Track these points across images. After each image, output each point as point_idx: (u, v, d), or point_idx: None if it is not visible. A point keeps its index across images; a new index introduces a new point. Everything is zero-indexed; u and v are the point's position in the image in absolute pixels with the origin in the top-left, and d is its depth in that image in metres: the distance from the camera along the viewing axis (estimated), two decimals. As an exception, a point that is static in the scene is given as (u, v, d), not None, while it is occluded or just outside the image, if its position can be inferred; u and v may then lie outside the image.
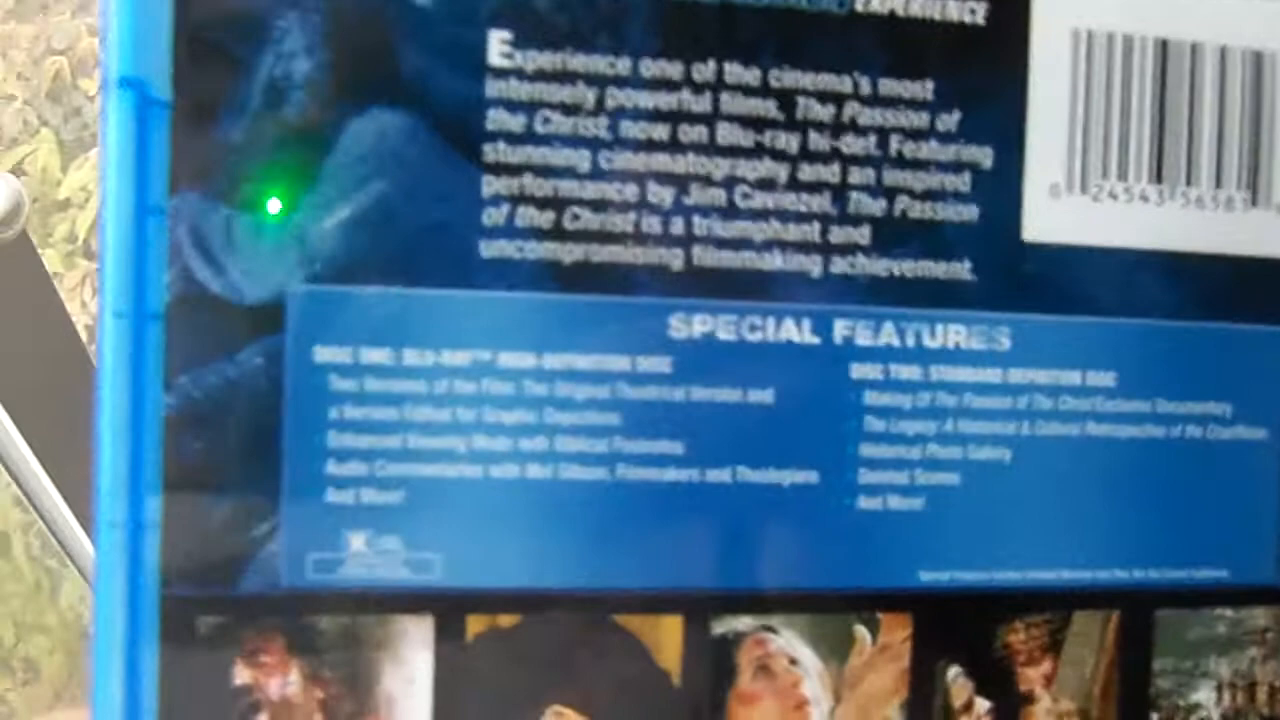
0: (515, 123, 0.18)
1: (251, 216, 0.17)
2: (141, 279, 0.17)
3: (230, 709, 0.17)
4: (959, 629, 0.19)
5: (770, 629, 0.19)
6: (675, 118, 0.18)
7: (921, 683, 0.19)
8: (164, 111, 0.17)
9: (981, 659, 0.19)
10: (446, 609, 0.18)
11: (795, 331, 0.18)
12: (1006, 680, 0.19)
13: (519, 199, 0.18)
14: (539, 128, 0.18)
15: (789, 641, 0.19)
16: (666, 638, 0.18)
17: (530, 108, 0.18)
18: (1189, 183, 0.20)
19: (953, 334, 0.19)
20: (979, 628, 0.19)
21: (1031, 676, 0.19)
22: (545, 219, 0.18)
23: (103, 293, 0.17)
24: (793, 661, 0.19)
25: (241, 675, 0.17)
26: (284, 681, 0.17)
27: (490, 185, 0.18)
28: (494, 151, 0.18)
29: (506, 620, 0.18)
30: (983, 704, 0.19)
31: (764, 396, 0.18)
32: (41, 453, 0.46)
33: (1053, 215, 0.19)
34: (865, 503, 0.19)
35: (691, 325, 0.18)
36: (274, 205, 0.17)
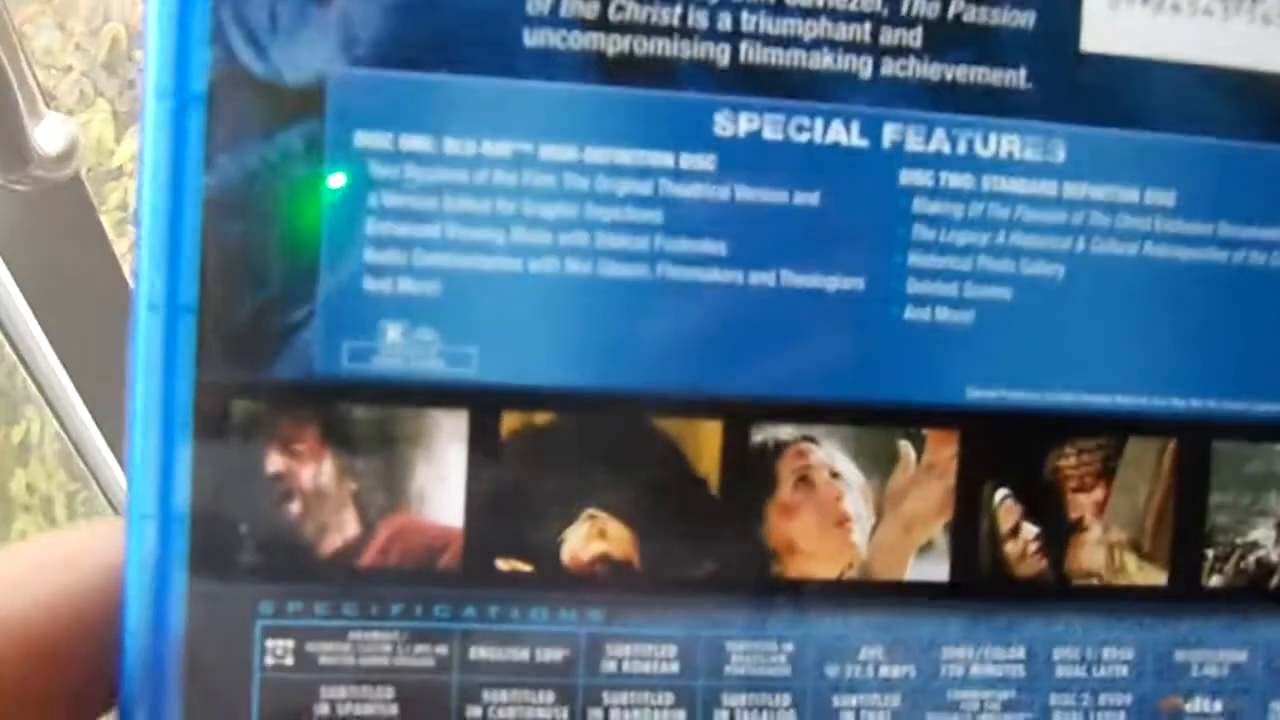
0: (561, -90, 0.17)
1: (293, -4, 0.17)
2: (184, 60, 0.17)
3: (263, 496, 0.17)
4: (1007, 450, 0.19)
5: (811, 439, 0.18)
6: (724, -89, 0.17)
7: (967, 504, 0.18)
8: (208, -111, 0.17)
9: (1030, 482, 0.19)
10: (481, 404, 0.17)
11: (843, 134, 0.18)
12: (1056, 506, 0.19)
13: (563, -12, 0.17)
14: (585, -83, 0.17)
15: (830, 454, 0.18)
16: (705, 443, 0.18)
17: (576, -105, 0.17)
18: (1256, -3, 0.19)
19: (1006, 143, 0.18)
20: (1028, 450, 0.19)
21: (1082, 503, 0.19)
22: (590, 9, 0.17)
23: (145, 75, 0.17)
24: (834, 474, 0.18)
25: (274, 463, 0.17)
26: (317, 471, 0.17)
27: (534, -27, 0.17)
28: (539, -61, 0.17)
29: (542, 418, 0.18)
30: (1030, 529, 0.19)
31: (810, 199, 0.18)
32: (90, 402, 0.47)
33: (1113, 25, 0.18)
34: (912, 313, 0.18)
35: (737, 123, 0.18)
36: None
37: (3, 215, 0.42)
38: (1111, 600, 0.19)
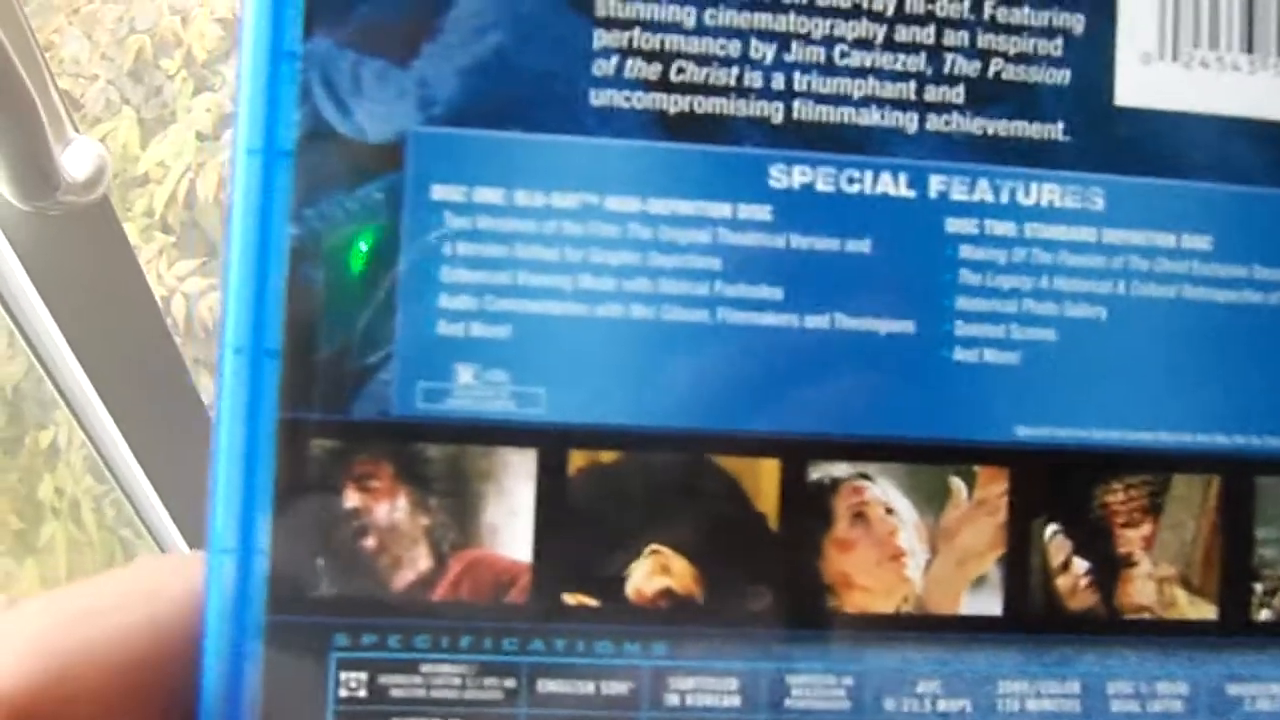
0: (624, -20, 0.18)
1: (378, 61, 0.18)
2: (273, 118, 0.17)
3: (339, 531, 0.17)
4: (1056, 486, 0.19)
5: (866, 477, 0.18)
6: (776, -21, 0.18)
7: (1019, 539, 0.19)
8: (298, -37, 0.17)
9: (1079, 518, 0.19)
10: (550, 443, 0.18)
11: (891, 185, 0.18)
12: (1105, 541, 0.19)
13: (628, 51, 0.18)
14: (646, -15, 0.18)
15: (885, 490, 0.18)
16: (764, 481, 0.18)
17: (638, -34, 0.18)
18: (1281, 54, 0.19)
19: (1047, 192, 0.19)
20: (1076, 486, 0.19)
21: (1131, 538, 0.19)
22: (652, 71, 0.18)
23: (237, 132, 0.18)
24: (889, 511, 0.18)
25: (351, 499, 0.17)
26: (391, 507, 0.18)
27: (601, 38, 0.18)
28: (605, 6, 0.18)
29: (608, 457, 0.18)
30: (1081, 564, 0.19)
31: (861, 246, 0.18)
32: (118, 415, 0.47)
33: (1145, 81, 0.19)
34: (961, 354, 0.18)
35: (791, 175, 0.18)
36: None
37: (31, 236, 0.42)
38: (1163, 634, 0.19)
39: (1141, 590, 0.19)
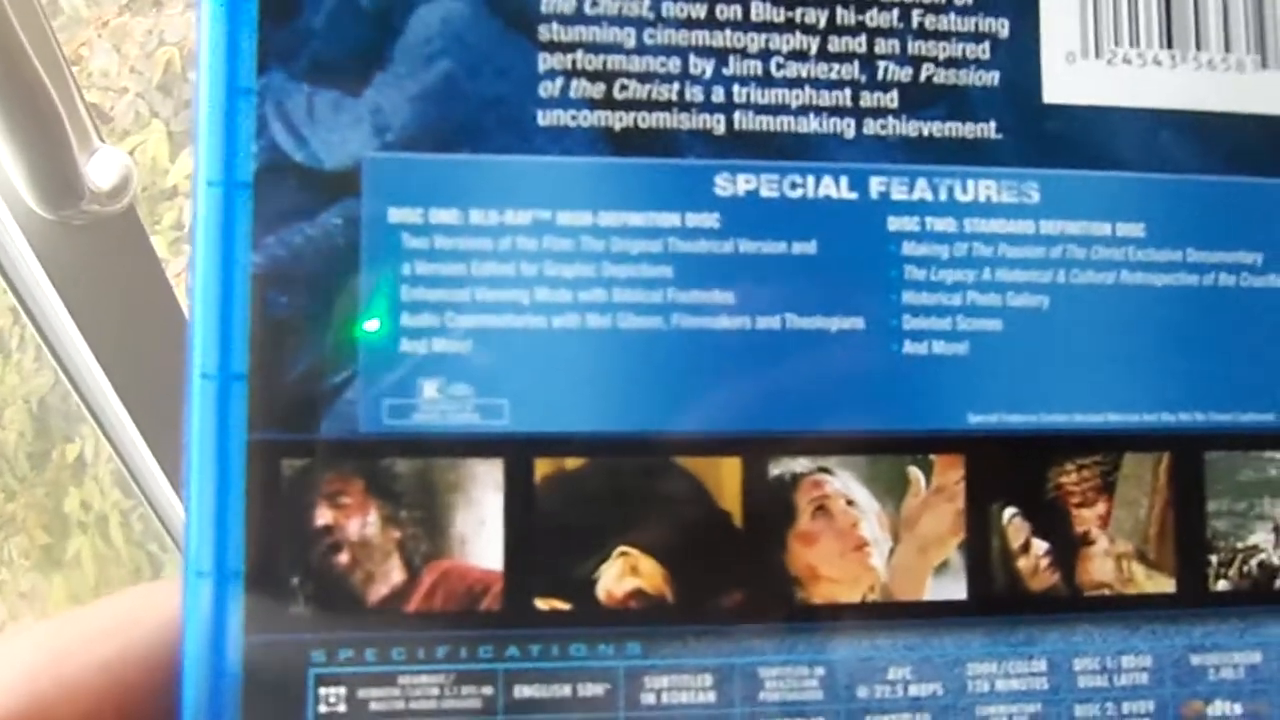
0: (567, 5, 0.18)
1: (331, 92, 0.18)
2: (232, 151, 0.18)
3: (313, 548, 0.17)
4: (1011, 470, 0.19)
5: (826, 470, 0.18)
6: (711, -2, 0.19)
7: (978, 523, 0.19)
8: (252, 5, 0.18)
9: (1036, 500, 0.19)
10: (514, 452, 0.18)
11: (834, 188, 0.19)
12: (1062, 521, 0.19)
13: (572, 73, 0.18)
14: (588, 9, 0.18)
15: (845, 483, 0.18)
16: (726, 480, 0.18)
17: (578, -8, 0.18)
18: (1199, 48, 0.20)
19: (983, 188, 0.19)
20: (1031, 469, 0.19)
21: (1087, 517, 0.19)
22: (596, 90, 0.18)
23: (197, 165, 0.18)
24: (850, 502, 0.18)
25: (323, 516, 0.17)
26: (363, 522, 0.18)
27: (545, 61, 0.18)
28: (548, 31, 0.18)
29: (572, 463, 0.18)
30: (1040, 544, 0.19)
31: (807, 248, 0.19)
32: (145, 429, 0.47)
33: (1070, 79, 0.19)
34: (910, 347, 0.19)
35: (736, 183, 0.19)
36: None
37: (56, 246, 0.42)
38: (1125, 609, 0.19)
39: (1100, 568, 0.19)
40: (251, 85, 0.18)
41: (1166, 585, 0.19)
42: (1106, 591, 0.19)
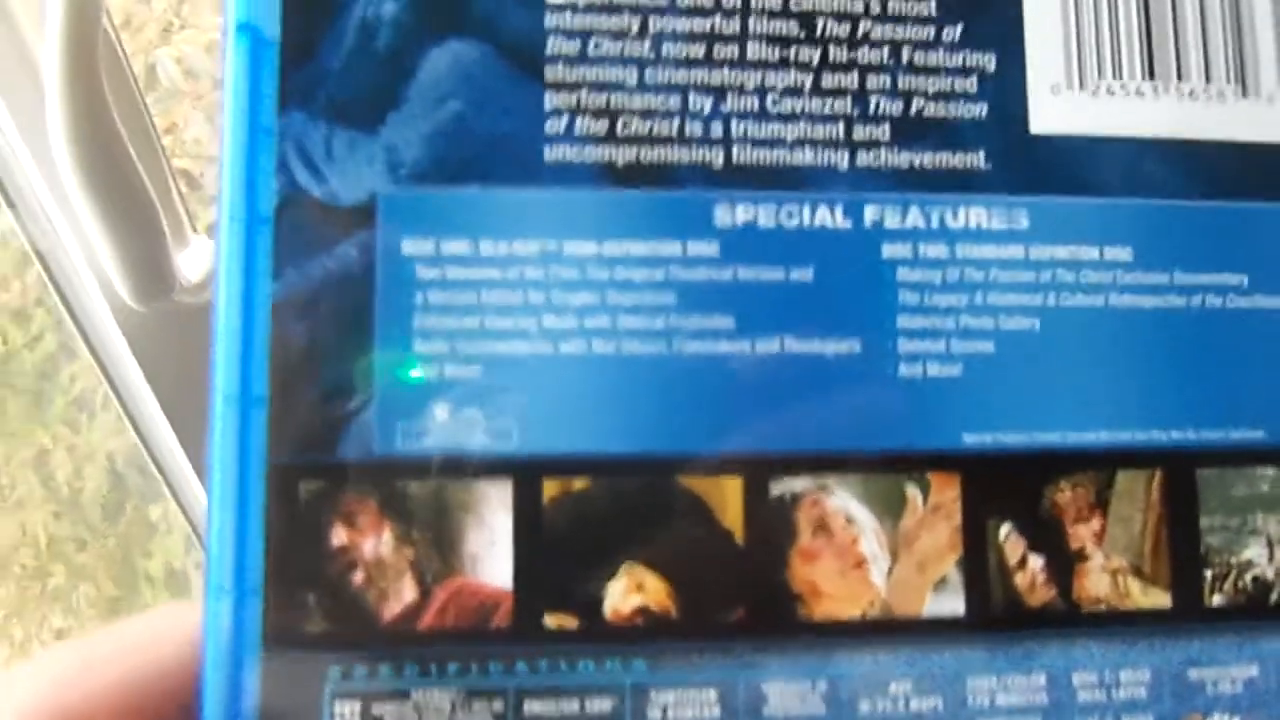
0: (571, 48, 0.19)
1: (348, 130, 0.19)
2: (253, 188, 0.18)
3: (329, 567, 0.18)
4: (1006, 488, 0.19)
5: (825, 489, 0.19)
6: (709, 39, 0.19)
7: (975, 540, 0.19)
8: (273, 49, 0.19)
9: (1031, 517, 0.19)
10: (523, 474, 0.18)
11: (829, 216, 0.19)
12: (1058, 537, 0.19)
13: (576, 110, 0.19)
14: (591, 51, 0.19)
15: (844, 501, 0.19)
16: (729, 499, 0.19)
17: (584, 35, 0.19)
18: (1180, 78, 0.20)
19: (974, 215, 0.19)
20: (1026, 487, 0.19)
21: (1082, 534, 0.19)
22: (600, 127, 0.19)
23: (220, 201, 0.18)
24: (849, 520, 0.19)
25: (339, 536, 0.18)
26: (377, 542, 0.18)
27: (551, 100, 0.19)
28: (553, 72, 0.19)
29: (579, 484, 0.18)
30: (1036, 560, 0.19)
31: (804, 275, 0.19)
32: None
33: (1056, 110, 0.20)
34: (906, 370, 0.19)
35: (735, 214, 0.19)
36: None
37: (144, 333, 0.42)
38: (1122, 624, 0.19)
39: (1096, 583, 0.19)
40: (272, 125, 0.18)
41: (1162, 600, 0.19)
42: (1103, 606, 0.19)
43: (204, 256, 0.42)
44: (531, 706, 0.18)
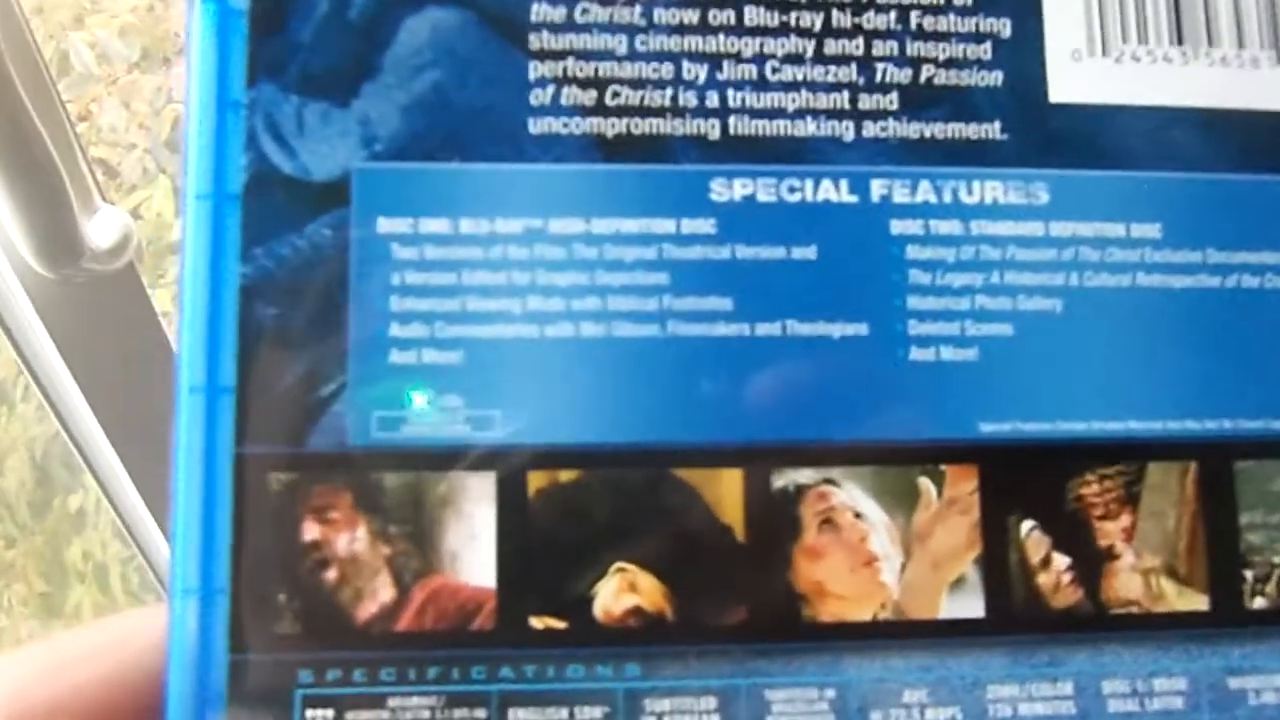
0: (557, 14, 0.18)
1: (320, 103, 0.17)
2: (221, 164, 0.17)
3: (300, 565, 0.17)
4: (1028, 481, 0.18)
5: (832, 482, 0.17)
6: (704, 3, 0.18)
7: (994, 537, 0.17)
8: (241, 18, 0.18)
9: (1055, 512, 0.17)
10: (507, 465, 0.17)
11: (833, 191, 0.18)
12: (1085, 534, 0.18)
13: (563, 80, 0.18)
14: (579, 17, 0.18)
15: (852, 495, 0.17)
16: (727, 492, 0.17)
17: (569, 0, 0.18)
18: (1211, 44, 0.19)
19: (989, 189, 0.18)
20: (1049, 480, 0.18)
21: (1111, 531, 0.18)
22: (588, 97, 0.18)
23: (185, 178, 0.17)
24: (858, 515, 0.17)
25: (310, 531, 0.17)
26: (352, 537, 0.17)
27: (536, 69, 0.18)
28: (538, 40, 0.18)
29: (566, 476, 0.17)
30: (1062, 559, 0.17)
31: (807, 253, 0.18)
32: (140, 482, 0.46)
33: (1077, 78, 0.18)
34: (917, 354, 0.18)
35: (732, 188, 0.18)
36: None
37: (55, 303, 0.42)
38: (1155, 629, 0.17)
39: (1127, 584, 0.17)
40: (241, 98, 0.17)
41: (1199, 602, 0.18)
42: (1135, 609, 0.17)
43: (113, 224, 0.41)
44: (516, 714, 0.16)
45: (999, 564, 0.17)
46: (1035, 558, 0.17)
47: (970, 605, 0.17)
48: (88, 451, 0.48)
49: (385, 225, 0.17)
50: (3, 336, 0.44)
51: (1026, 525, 0.17)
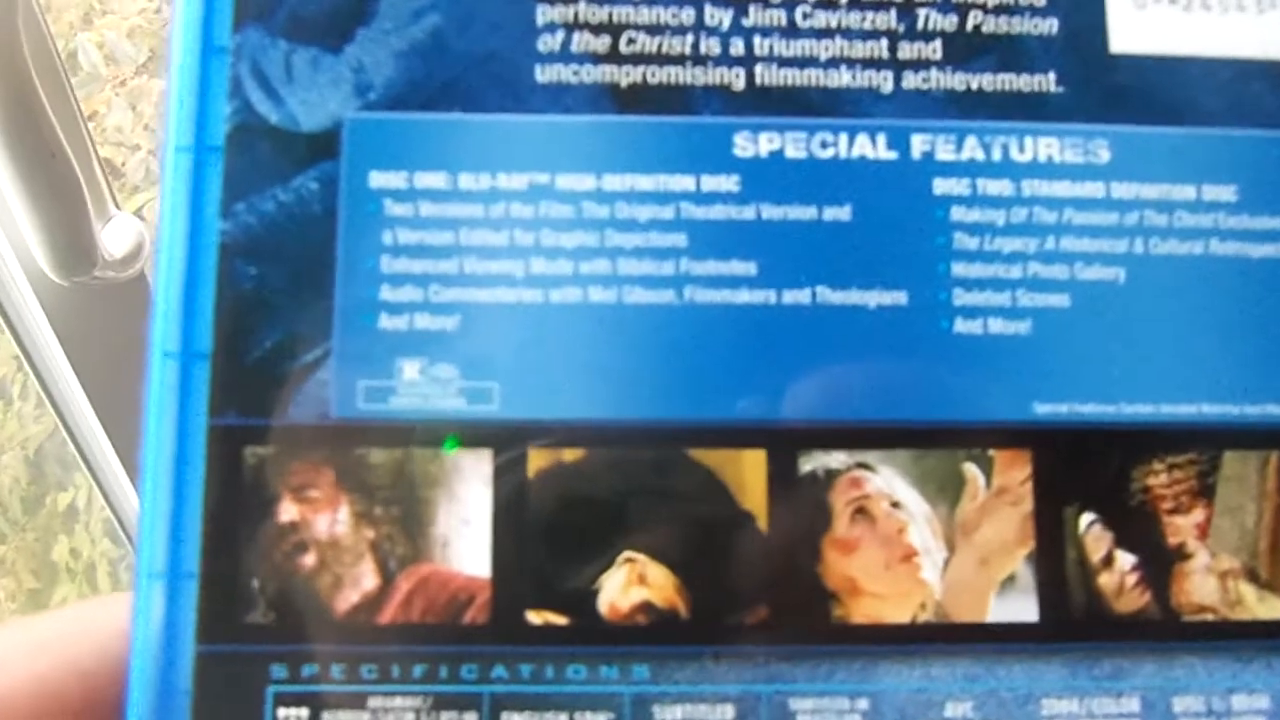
0: (568, -45, 0.16)
1: (310, 48, 0.16)
2: (204, 114, 0.16)
3: (276, 548, 0.15)
4: (1087, 469, 0.16)
5: (866, 466, 0.15)
6: (729, -55, 0.16)
7: (1050, 531, 0.15)
8: (231, -40, 0.16)
9: (1119, 505, 0.15)
10: (506, 442, 0.15)
11: (870, 147, 0.16)
12: (1152, 531, 0.15)
13: (574, 25, 0.16)
14: (592, -41, 0.16)
15: (889, 481, 0.15)
16: (749, 475, 0.15)
17: (583, -59, 0.16)
18: (1291, -11, 0.17)
19: (1044, 146, 0.16)
20: (1111, 468, 0.16)
21: (1181, 527, 0.15)
22: (601, 43, 0.16)
23: (165, 130, 0.16)
24: (895, 504, 0.15)
25: (288, 511, 0.15)
26: (333, 519, 0.15)
27: (545, 13, 0.16)
28: (548, -17, 0.16)
29: (571, 455, 0.15)
30: (1126, 558, 0.15)
31: (841, 214, 0.16)
32: (136, 480, 0.45)
33: (1141, 26, 0.17)
34: (962, 325, 0.16)
35: (758, 143, 0.16)
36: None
37: (65, 308, 0.41)
38: (1233, 638, 0.15)
39: (1201, 587, 0.15)
40: (226, 44, 0.16)
41: (1284, 608, 0.15)
42: (1210, 616, 0.15)
43: (127, 232, 0.40)
44: (511, 718, 0.15)
45: (1054, 562, 0.15)
46: (1096, 556, 0.15)
47: (1022, 608, 0.15)
48: (89, 453, 0.47)
49: (377, 179, 0.16)
50: (6, 334, 0.44)
51: (1086, 519, 0.15)
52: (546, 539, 0.15)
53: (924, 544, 0.15)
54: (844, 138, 0.16)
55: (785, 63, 0.16)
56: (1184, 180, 0.16)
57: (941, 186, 0.16)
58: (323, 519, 0.15)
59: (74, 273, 0.37)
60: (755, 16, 0.16)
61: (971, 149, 0.16)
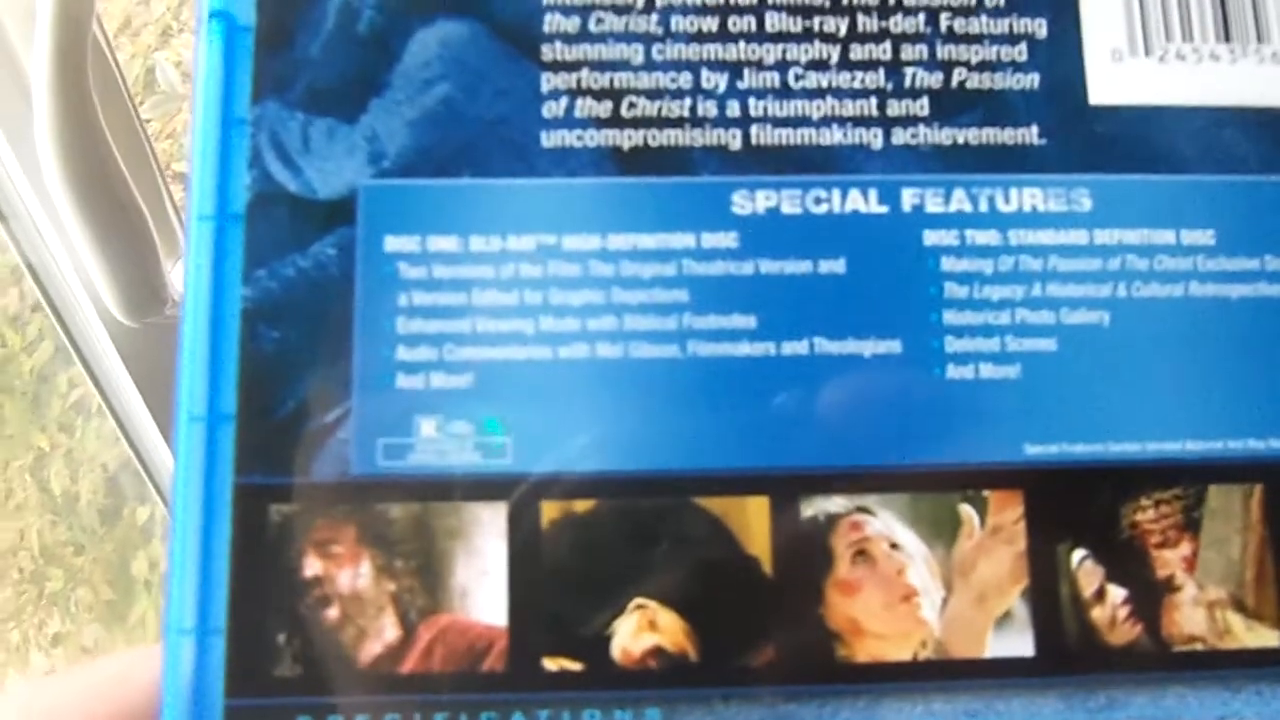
0: (570, 24, 0.17)
1: (325, 120, 0.16)
2: (225, 183, 0.16)
3: (301, 602, 0.15)
4: (1078, 507, 0.16)
5: (866, 510, 0.16)
6: (722, 10, 0.17)
7: (1044, 568, 0.16)
8: (248, 35, 0.16)
9: (1109, 540, 0.16)
10: (519, 495, 0.15)
11: (862, 201, 0.16)
12: (1141, 564, 0.16)
13: (577, 92, 0.16)
14: (593, 27, 0.17)
15: (887, 524, 0.16)
16: (753, 521, 0.16)
17: (584, 9, 0.17)
18: (1260, 40, 0.17)
19: (1028, 196, 0.16)
20: (1100, 505, 0.16)
21: (1170, 560, 0.16)
22: (603, 109, 0.16)
23: (190, 200, 0.16)
24: (894, 546, 0.16)
25: (312, 566, 0.15)
26: (355, 573, 0.15)
27: (549, 81, 0.16)
28: (552, 51, 0.17)
29: (582, 506, 0.15)
30: (1117, 592, 0.16)
31: (835, 266, 0.16)
32: None
33: (1118, 79, 0.17)
34: (955, 371, 0.16)
35: (755, 200, 0.16)
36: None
37: (136, 347, 0.41)
38: (1223, 667, 0.15)
39: (1190, 618, 0.16)
40: (245, 115, 0.16)
41: (1270, 638, 0.16)
42: (1200, 646, 0.15)
43: None
44: (529, 763, 0.15)
45: (1049, 598, 0.15)
46: (1088, 590, 0.15)
47: (1018, 643, 0.15)
48: (159, 480, 0.48)
49: (392, 244, 0.16)
50: (83, 369, 0.44)
51: (1078, 555, 0.16)
52: (560, 587, 0.15)
53: (923, 584, 0.15)
54: (837, 193, 0.16)
55: (779, 122, 0.16)
56: (1164, 225, 0.16)
57: (931, 238, 0.16)
58: (345, 573, 0.15)
59: (144, 315, 0.37)
60: (750, 79, 0.16)
61: (959, 201, 0.16)
